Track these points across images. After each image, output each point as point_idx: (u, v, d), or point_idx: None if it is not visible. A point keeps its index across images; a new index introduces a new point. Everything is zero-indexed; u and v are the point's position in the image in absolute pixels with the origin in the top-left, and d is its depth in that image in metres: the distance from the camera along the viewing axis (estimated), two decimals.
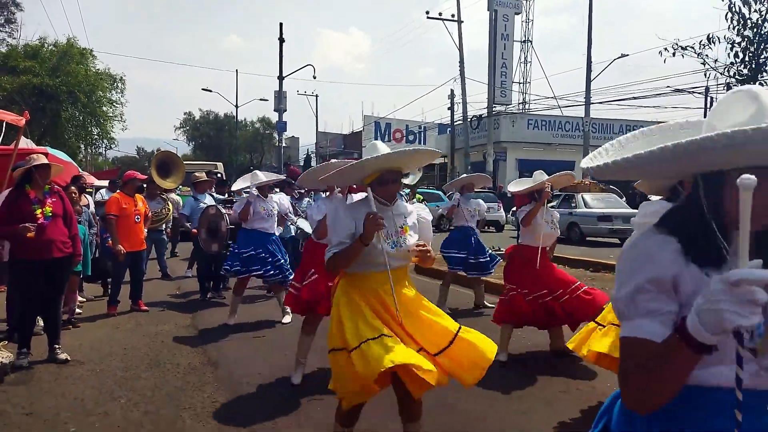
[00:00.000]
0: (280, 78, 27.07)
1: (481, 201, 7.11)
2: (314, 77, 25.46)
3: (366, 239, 2.48)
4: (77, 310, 6.25)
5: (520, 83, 30.42)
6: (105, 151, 27.65)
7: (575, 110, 27.11)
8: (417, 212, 2.80)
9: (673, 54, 9.72)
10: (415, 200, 13.47)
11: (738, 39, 8.94)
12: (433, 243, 2.88)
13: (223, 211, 7.19)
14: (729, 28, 8.94)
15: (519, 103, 29.94)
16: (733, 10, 8.85)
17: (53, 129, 22.14)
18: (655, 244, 1.16)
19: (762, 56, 8.88)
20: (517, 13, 29.54)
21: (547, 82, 57.35)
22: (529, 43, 30.10)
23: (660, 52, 9.95)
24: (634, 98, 28.24)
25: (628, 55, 23.65)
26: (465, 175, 8.40)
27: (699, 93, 17.70)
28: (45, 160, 4.54)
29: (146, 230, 6.93)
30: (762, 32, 8.74)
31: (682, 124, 1.29)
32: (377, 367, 2.27)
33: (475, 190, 7.12)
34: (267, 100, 33.97)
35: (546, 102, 30.84)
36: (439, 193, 20.05)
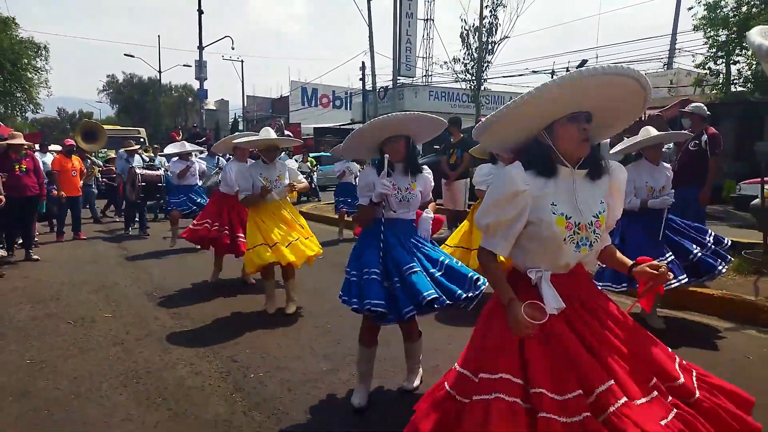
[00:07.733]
0: (200, 48, 28.90)
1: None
2: (233, 48, 27.44)
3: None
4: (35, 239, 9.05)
5: (423, 58, 33.68)
6: (24, 114, 28.45)
7: (473, 84, 30.58)
8: (285, 164, 5.10)
9: (441, 66, 13.86)
10: (308, 162, 16.63)
11: (467, 60, 13.00)
12: None
13: (138, 171, 9.95)
14: (463, 51, 12.96)
15: (422, 76, 33.24)
16: (464, 41, 12.83)
17: None
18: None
19: (481, 72, 12.97)
20: None
21: (447, 58, 60.75)
22: (432, 22, 33.26)
23: (436, 62, 14.18)
24: (511, 76, 32.31)
25: (509, 37, 27.26)
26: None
27: (547, 72, 21.92)
28: (21, 140, 7.36)
29: (81, 182, 9.73)
30: (481, 57, 12.78)
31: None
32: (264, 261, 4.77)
33: None
34: (190, 66, 35.15)
35: (448, 75, 34.23)
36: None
